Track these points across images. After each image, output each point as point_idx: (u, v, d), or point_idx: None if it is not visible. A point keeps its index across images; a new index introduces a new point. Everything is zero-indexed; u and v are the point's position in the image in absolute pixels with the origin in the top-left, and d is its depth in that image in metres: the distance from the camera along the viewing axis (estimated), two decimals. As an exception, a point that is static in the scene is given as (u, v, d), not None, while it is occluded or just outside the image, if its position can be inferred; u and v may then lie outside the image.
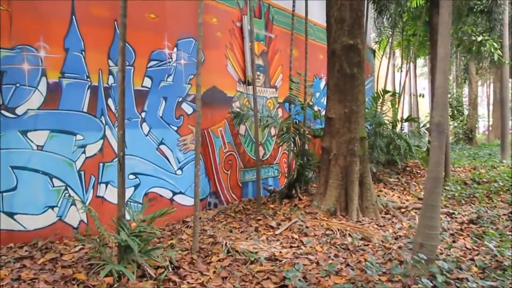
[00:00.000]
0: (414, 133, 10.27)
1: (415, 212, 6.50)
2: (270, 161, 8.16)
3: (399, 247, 4.79)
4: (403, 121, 10.73)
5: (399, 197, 8.02)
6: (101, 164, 5.04)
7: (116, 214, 3.77)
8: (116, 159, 5.17)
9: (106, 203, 5.06)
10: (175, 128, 6.00)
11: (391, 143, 9.99)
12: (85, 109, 4.87)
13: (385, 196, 7.65)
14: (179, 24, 6.05)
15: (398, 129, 10.85)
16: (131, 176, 5.38)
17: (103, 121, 5.05)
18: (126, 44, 5.29)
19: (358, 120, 6.02)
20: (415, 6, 12.63)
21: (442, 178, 3.71)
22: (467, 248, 4.65)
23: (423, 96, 14.11)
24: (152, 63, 5.67)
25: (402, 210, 6.53)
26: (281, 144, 7.16)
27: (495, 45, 10.69)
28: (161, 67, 5.80)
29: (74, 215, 4.75)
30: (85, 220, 4.84)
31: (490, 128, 23.77)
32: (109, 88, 5.14)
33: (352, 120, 5.99)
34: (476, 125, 21.08)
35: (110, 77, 5.15)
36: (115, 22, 5.19)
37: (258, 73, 7.74)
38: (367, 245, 4.91)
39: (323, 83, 10.14)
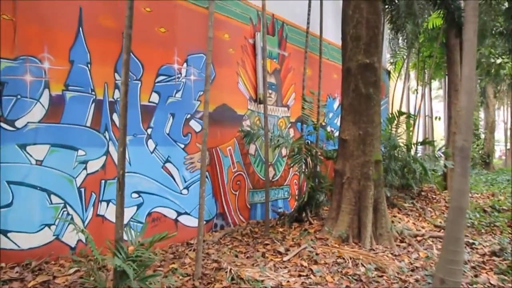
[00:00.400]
0: (430, 157, 9.91)
1: (432, 241, 6.14)
2: (280, 182, 7.88)
3: (416, 280, 4.45)
4: (418, 144, 10.39)
5: (414, 223, 7.65)
6: (103, 181, 4.82)
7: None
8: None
9: (107, 223, 4.82)
10: (182, 146, 5.78)
11: (405, 166, 9.65)
12: (88, 124, 4.68)
13: (399, 222, 7.28)
14: (190, 39, 5.89)
15: (412, 152, 10.52)
16: (134, 195, 5.15)
17: (107, 137, 4.86)
18: (134, 57, 5.19)
19: (373, 143, 5.74)
20: (432, 27, 12.44)
21: (467, 207, 3.40)
22: (491, 285, 4.29)
23: (439, 119, 13.77)
24: (160, 78, 5.49)
25: (418, 238, 6.17)
26: (292, 165, 6.89)
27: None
28: (170, 83, 5.62)
29: (71, 234, 4.51)
30: (84, 240, 4.60)
31: (507, 153, 23.21)
32: (114, 103, 4.95)
33: (367, 143, 5.71)
34: (493, 150, 20.57)
35: (116, 91, 4.97)
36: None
37: (270, 91, 7.53)
38: (382, 276, 4.58)
39: (336, 104, 9.90)
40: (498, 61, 10.43)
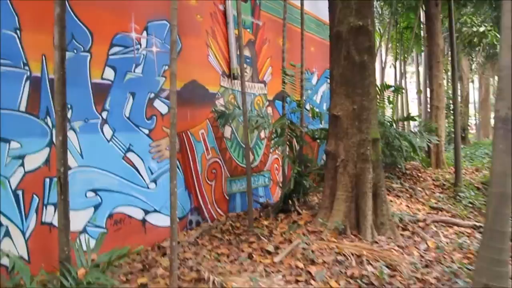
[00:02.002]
0: (415, 133, 9.30)
1: (435, 226, 5.48)
2: (260, 168, 7.04)
3: (437, 279, 3.74)
4: (403, 120, 9.75)
5: (408, 206, 7.01)
6: (48, 180, 3.83)
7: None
8: (70, 172, 4.01)
9: (56, 231, 3.85)
10: (146, 131, 4.83)
11: (389, 143, 8.99)
12: (22, 108, 3.66)
13: (392, 206, 6.61)
14: (150, 2, 4.89)
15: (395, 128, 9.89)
16: (90, 194, 4.19)
17: (49, 123, 3.85)
18: (80, 24, 4.16)
19: (370, 118, 4.96)
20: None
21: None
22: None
23: (421, 92, 13.20)
24: (115, 49, 4.49)
25: (421, 224, 5.50)
26: (273, 148, 6.05)
27: (499, 36, 9.80)
28: (127, 55, 4.63)
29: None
30: (26, 256, 3.63)
31: (479, 126, 23.19)
32: (57, 81, 3.94)
33: (362, 118, 4.93)
34: (469, 124, 20.40)
35: (59, 66, 3.96)
36: (64, -5, 4.01)
37: (245, 65, 6.62)
38: (393, 276, 3.85)
39: (315, 79, 9.09)
40: (481, 29, 9.84)
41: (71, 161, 4.02)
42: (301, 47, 6.44)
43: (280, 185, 6.51)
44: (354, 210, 4.94)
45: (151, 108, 4.90)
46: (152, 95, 4.93)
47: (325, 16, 5.98)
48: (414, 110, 21.03)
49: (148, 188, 4.82)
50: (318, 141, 6.04)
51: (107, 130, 4.38)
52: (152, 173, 4.89)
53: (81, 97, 4.15)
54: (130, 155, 4.62)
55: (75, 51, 4.09)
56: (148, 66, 4.87)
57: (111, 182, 4.40)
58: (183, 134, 5.39)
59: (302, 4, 6.84)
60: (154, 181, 4.92)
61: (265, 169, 7.20)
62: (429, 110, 11.53)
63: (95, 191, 4.23)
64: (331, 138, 5.13)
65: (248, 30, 6.86)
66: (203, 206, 5.71)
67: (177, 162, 5.28)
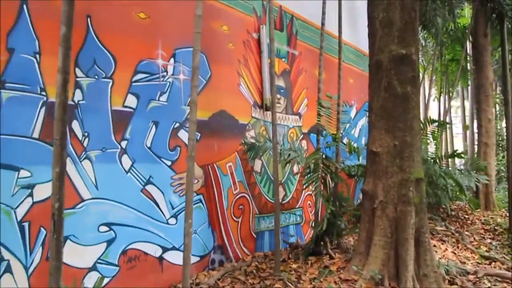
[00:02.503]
0: (462, 171, 8.60)
1: (489, 281, 4.82)
2: (291, 204, 6.60)
3: None
4: (448, 157, 9.08)
5: (454, 252, 6.33)
6: (58, 212, 3.58)
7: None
8: (83, 204, 3.75)
9: (65, 268, 3.56)
10: (169, 163, 4.55)
11: (433, 182, 8.32)
12: (35, 135, 3.46)
13: (436, 252, 5.96)
14: (179, 29, 4.70)
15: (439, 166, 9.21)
16: (103, 228, 3.91)
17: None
18: (102, 48, 4.00)
19: (413, 155, 4.48)
20: (452, 27, 11.22)
21: None
22: None
23: (467, 128, 12.44)
24: (139, 76, 4.29)
25: (471, 277, 4.85)
26: (306, 185, 5.61)
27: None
28: (152, 82, 4.42)
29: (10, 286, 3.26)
30: (28, 293, 3.35)
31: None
32: (75, 107, 3.74)
33: (404, 156, 4.45)
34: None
35: (78, 91, 3.77)
36: (88, 19, 3.86)
37: (278, 96, 6.32)
38: None
39: (353, 112, 8.66)
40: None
41: (85, 193, 3.77)
42: (338, 78, 6.07)
43: (312, 224, 6.03)
44: (394, 258, 4.40)
45: (175, 138, 4.62)
46: (177, 124, 4.66)
47: (365, 46, 5.63)
48: (458, 146, 19.99)
49: (167, 223, 4.50)
50: (355, 178, 5.56)
51: (126, 160, 4.12)
52: (173, 208, 4.57)
53: (100, 124, 3.93)
54: (149, 187, 4.33)
55: (96, 76, 3.90)
56: (173, 95, 4.63)
57: (127, 216, 4.10)
58: (209, 167, 5.07)
59: (340, 33, 6.53)
60: (175, 216, 4.59)
61: (297, 206, 6.75)
62: (476, 146, 10.77)
63: (109, 225, 3.94)
64: (369, 177, 4.66)
65: (284, 59, 6.58)
66: (227, 244, 5.31)
67: (201, 197, 4.96)
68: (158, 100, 4.47)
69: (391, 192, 4.46)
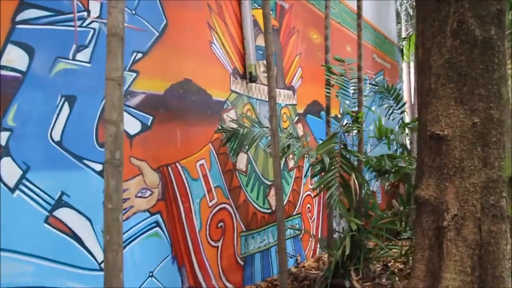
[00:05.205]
0: None
1: None
2: (288, 211, 4.82)
3: None
4: None
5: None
6: None
7: None
8: None
9: None
10: (98, 167, 2.66)
11: None
12: None
13: None
14: None
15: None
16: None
17: None
18: None
19: (502, 141, 2.76)
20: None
21: None
22: None
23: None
24: (30, 13, 2.37)
25: None
26: (318, 190, 3.83)
27: None
28: (59, 27, 2.51)
29: None
30: None
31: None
32: None
33: (490, 141, 2.72)
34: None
35: None
36: None
37: (265, 62, 4.50)
38: None
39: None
40: None
41: None
42: (358, 38, 4.24)
43: (324, 245, 4.27)
44: (477, 308, 2.70)
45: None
46: (111, 101, 2.77)
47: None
48: None
49: (100, 270, 2.63)
50: (387, 176, 3.79)
51: (10, 168, 2.22)
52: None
53: None
54: (62, 213, 2.44)
55: None
56: (102, 51, 2.73)
57: (23, 271, 2.21)
58: (169, 169, 3.21)
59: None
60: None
61: (294, 212, 4.99)
62: None
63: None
64: (428, 176, 2.90)
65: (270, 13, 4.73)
66: (203, 283, 3.49)
67: (159, 217, 3.11)
68: (73, 59, 2.56)
69: (470, 200, 2.72)
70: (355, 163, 3.89)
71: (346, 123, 4.00)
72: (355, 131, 3.96)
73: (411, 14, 10.59)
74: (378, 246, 3.80)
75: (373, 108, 4.61)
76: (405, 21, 11.02)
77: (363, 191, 3.75)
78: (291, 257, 4.46)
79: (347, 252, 3.44)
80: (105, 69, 1.66)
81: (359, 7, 4.16)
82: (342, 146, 3.55)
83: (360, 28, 4.07)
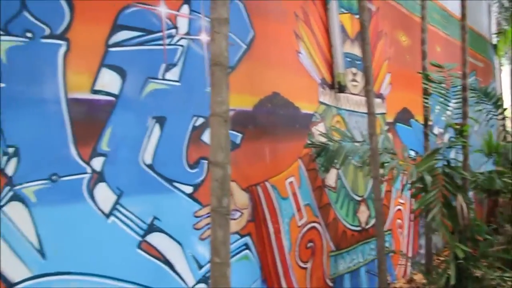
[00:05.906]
0: None
1: None
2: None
3: None
4: None
5: None
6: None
7: None
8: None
9: None
10: (189, 190, 2.56)
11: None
12: None
13: None
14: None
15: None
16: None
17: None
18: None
19: None
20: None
21: None
22: None
23: None
24: (121, 35, 2.32)
25: None
26: (419, 213, 3.49)
27: None
28: (148, 47, 2.45)
29: None
30: None
31: None
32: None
33: None
34: None
35: (-11, 64, 1.85)
36: None
37: (354, 70, 4.23)
38: None
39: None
40: None
41: (17, 269, 1.86)
42: (462, 29, 3.82)
43: (423, 271, 3.89)
44: None
45: (197, 145, 2.63)
46: (200, 121, 2.66)
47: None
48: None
49: (193, 292, 2.53)
50: (499, 196, 3.36)
51: (104, 193, 2.17)
52: (200, 267, 2.60)
53: (43, 129, 1.99)
54: (154, 238, 2.37)
55: (29, 35, 1.97)
56: (191, 68, 2.63)
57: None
58: (258, 189, 3.06)
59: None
60: (205, 280, 2.61)
61: (384, 229, 4.63)
62: None
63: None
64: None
65: (357, 16, 4.45)
66: (292, 308, 3.29)
67: (248, 239, 2.97)
68: (163, 78, 2.49)
69: None
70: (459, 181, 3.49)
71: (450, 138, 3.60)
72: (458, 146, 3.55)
73: (505, 5, 9.63)
74: (488, 275, 3.36)
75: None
76: (497, 13, 10.03)
77: (471, 214, 3.33)
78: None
79: (452, 281, 3.07)
80: (210, 104, 1.53)
81: (464, 7, 3.74)
82: (445, 163, 3.17)
83: (464, 30, 3.64)
